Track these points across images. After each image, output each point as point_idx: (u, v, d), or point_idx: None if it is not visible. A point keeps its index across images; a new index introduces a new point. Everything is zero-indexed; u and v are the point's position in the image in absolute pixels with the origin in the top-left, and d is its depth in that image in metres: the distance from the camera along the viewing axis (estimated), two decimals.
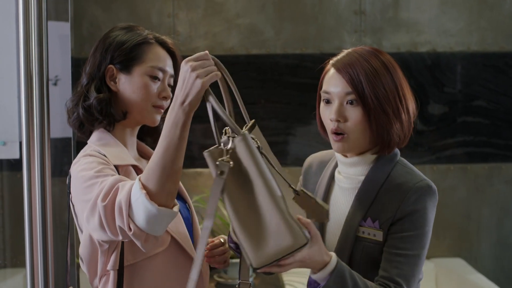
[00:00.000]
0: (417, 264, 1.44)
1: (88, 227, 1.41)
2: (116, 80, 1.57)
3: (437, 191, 1.49)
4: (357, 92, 1.44)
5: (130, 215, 1.30)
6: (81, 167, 1.47)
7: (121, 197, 1.31)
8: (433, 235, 1.47)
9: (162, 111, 1.60)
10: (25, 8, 1.65)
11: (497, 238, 3.56)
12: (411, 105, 1.52)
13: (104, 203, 1.32)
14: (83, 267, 1.57)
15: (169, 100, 1.61)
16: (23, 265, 1.72)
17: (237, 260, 1.60)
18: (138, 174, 1.53)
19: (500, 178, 3.56)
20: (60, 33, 2.12)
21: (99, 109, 1.54)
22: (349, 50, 1.53)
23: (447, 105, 3.53)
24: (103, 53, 1.56)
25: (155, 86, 1.57)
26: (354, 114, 1.45)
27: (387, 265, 1.44)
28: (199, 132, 3.38)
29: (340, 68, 1.47)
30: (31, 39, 1.65)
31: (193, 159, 3.42)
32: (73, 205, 1.53)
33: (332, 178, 1.60)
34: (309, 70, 3.44)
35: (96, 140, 1.56)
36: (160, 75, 1.57)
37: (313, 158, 1.71)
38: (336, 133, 1.48)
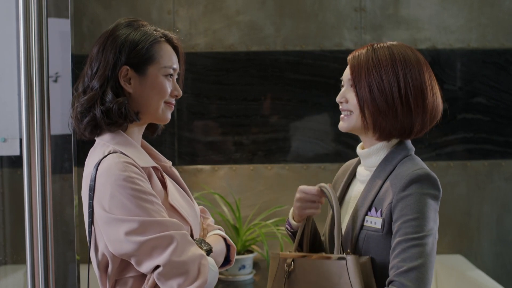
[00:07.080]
0: (423, 250, 1.41)
1: (118, 247, 1.42)
2: (130, 81, 1.52)
3: None
4: (353, 76, 1.55)
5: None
6: (127, 183, 1.42)
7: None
8: None
9: (172, 108, 1.60)
10: (25, 5, 1.65)
11: (497, 235, 3.56)
12: (430, 103, 1.60)
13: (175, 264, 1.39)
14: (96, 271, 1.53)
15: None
16: (23, 262, 1.72)
17: (237, 257, 1.62)
18: (156, 175, 1.54)
19: (500, 175, 3.56)
20: (60, 30, 2.11)
21: (119, 113, 1.49)
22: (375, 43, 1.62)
23: (447, 102, 3.51)
24: (116, 53, 1.50)
25: (169, 84, 1.56)
26: (351, 96, 1.57)
27: (392, 256, 1.44)
28: (200, 129, 3.37)
29: (351, 57, 1.59)
30: (32, 36, 1.65)
31: (194, 156, 3.42)
32: (91, 203, 1.45)
33: (354, 173, 1.69)
34: (309, 67, 3.43)
35: (111, 139, 1.51)
36: (172, 73, 1.57)
37: (347, 163, 1.80)
38: (343, 112, 1.61)
